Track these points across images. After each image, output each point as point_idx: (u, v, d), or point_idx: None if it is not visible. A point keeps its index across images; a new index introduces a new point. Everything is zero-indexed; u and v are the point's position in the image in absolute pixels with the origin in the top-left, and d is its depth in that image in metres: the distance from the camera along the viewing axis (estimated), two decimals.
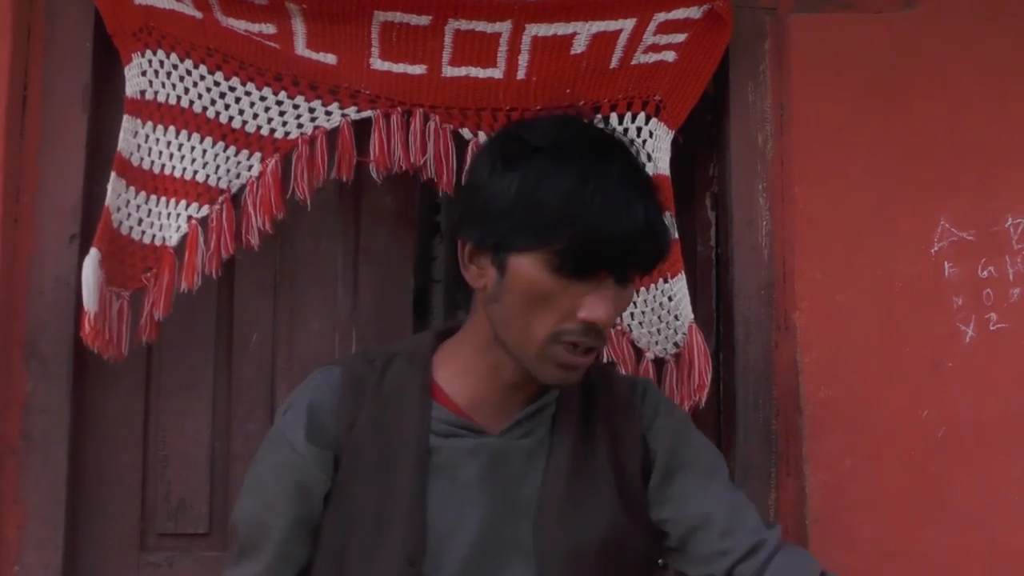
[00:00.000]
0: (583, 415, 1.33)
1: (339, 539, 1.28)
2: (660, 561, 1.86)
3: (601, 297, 1.19)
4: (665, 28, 1.74)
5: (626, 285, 1.23)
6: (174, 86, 1.70)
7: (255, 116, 1.71)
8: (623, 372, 1.72)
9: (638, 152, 1.29)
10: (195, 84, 1.70)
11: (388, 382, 1.31)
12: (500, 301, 1.22)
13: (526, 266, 1.18)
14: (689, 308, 1.77)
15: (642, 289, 1.77)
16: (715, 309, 1.92)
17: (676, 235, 1.76)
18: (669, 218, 1.28)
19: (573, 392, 1.33)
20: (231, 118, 1.71)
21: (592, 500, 1.29)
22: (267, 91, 1.71)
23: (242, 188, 1.71)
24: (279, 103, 1.71)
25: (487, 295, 1.24)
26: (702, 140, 1.93)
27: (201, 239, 1.68)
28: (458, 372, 1.30)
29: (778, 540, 1.32)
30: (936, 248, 1.81)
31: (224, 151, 1.71)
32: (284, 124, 1.72)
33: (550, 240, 1.16)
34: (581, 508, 1.28)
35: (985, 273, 1.81)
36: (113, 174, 1.67)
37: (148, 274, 1.69)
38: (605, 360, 1.76)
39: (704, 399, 1.77)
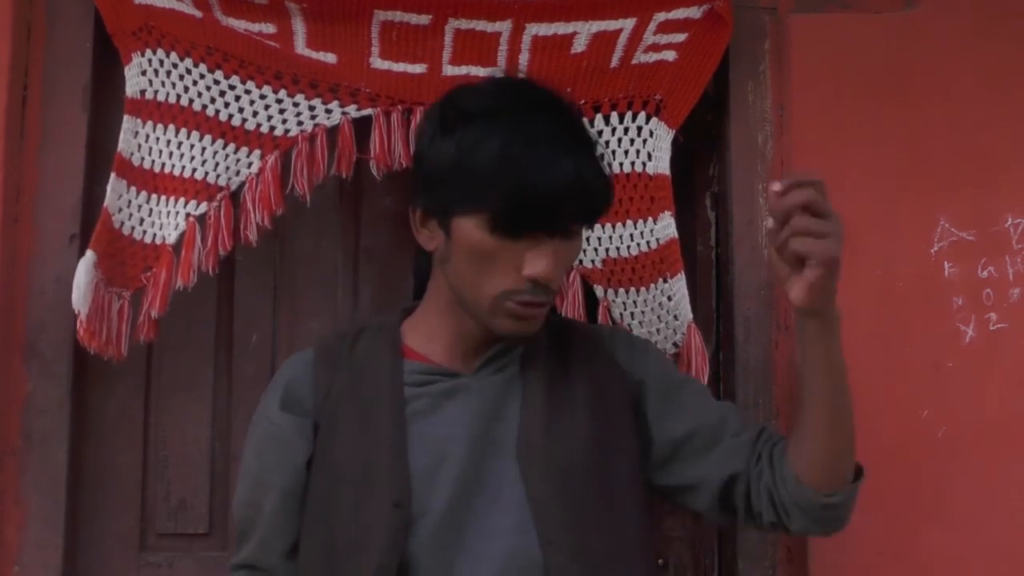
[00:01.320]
0: (554, 351, 1.38)
1: (326, 500, 1.30)
2: (660, 561, 1.87)
3: (541, 253, 1.24)
4: (665, 28, 1.74)
5: (569, 238, 1.28)
6: (174, 85, 1.70)
7: (255, 114, 1.71)
8: None
9: (578, 111, 1.35)
10: (195, 82, 1.70)
11: (360, 351, 1.37)
12: (450, 262, 1.29)
13: (467, 228, 1.24)
14: (688, 308, 1.77)
15: (642, 289, 1.77)
16: (715, 309, 1.92)
17: (676, 234, 1.76)
18: (608, 170, 1.33)
19: (539, 333, 1.36)
20: (231, 116, 1.71)
21: (572, 422, 1.33)
22: (267, 89, 1.71)
23: (241, 185, 1.71)
24: (279, 101, 1.71)
25: (439, 257, 1.31)
26: (702, 140, 1.93)
27: (199, 237, 1.68)
28: (425, 334, 1.36)
29: (769, 428, 1.43)
30: (936, 248, 1.81)
31: (224, 148, 1.71)
32: (284, 122, 1.72)
33: (485, 202, 1.22)
34: (562, 430, 1.32)
35: (985, 273, 1.81)
36: (113, 175, 1.67)
37: (148, 274, 1.69)
38: None
39: None
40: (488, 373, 1.34)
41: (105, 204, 1.67)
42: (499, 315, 1.27)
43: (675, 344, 1.78)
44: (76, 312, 1.62)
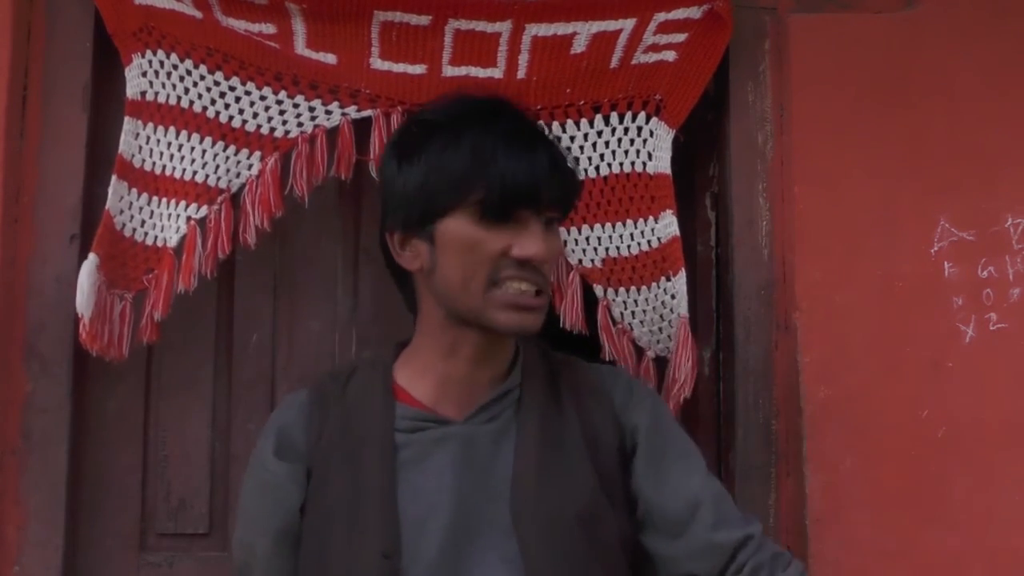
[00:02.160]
0: (550, 396, 1.37)
1: (318, 546, 1.31)
2: None
3: (531, 234, 1.27)
4: (665, 28, 1.74)
5: (551, 228, 1.30)
6: (174, 86, 1.70)
7: (255, 115, 1.71)
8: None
9: (533, 116, 1.41)
10: (195, 84, 1.70)
11: (352, 391, 1.37)
12: (438, 269, 1.29)
13: (453, 226, 1.26)
14: (686, 305, 1.76)
15: (643, 288, 1.77)
16: (715, 309, 1.92)
17: (678, 232, 1.76)
18: (573, 163, 1.39)
19: (537, 375, 1.37)
20: (231, 117, 1.71)
21: (566, 473, 1.32)
22: (267, 90, 1.71)
23: (241, 187, 1.71)
24: (279, 102, 1.71)
25: (426, 272, 1.31)
26: (702, 140, 1.93)
27: (199, 240, 1.68)
28: (418, 370, 1.35)
29: (761, 535, 1.34)
30: (936, 248, 1.81)
31: (224, 150, 1.71)
32: (284, 123, 1.72)
33: (467, 194, 1.25)
34: (556, 481, 1.30)
35: (985, 273, 1.81)
36: (114, 177, 1.67)
37: (149, 275, 1.69)
38: (607, 360, 1.76)
39: (689, 392, 1.75)
40: (480, 421, 1.33)
41: (107, 206, 1.67)
42: (495, 309, 1.27)
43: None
44: (79, 315, 1.61)
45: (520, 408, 1.35)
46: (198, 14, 1.68)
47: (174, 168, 1.70)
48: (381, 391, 1.35)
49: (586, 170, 1.76)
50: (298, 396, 1.41)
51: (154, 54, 1.69)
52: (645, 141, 1.77)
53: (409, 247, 1.32)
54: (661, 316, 1.77)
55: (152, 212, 1.70)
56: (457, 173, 1.26)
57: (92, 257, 1.63)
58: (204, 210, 1.69)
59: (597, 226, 1.76)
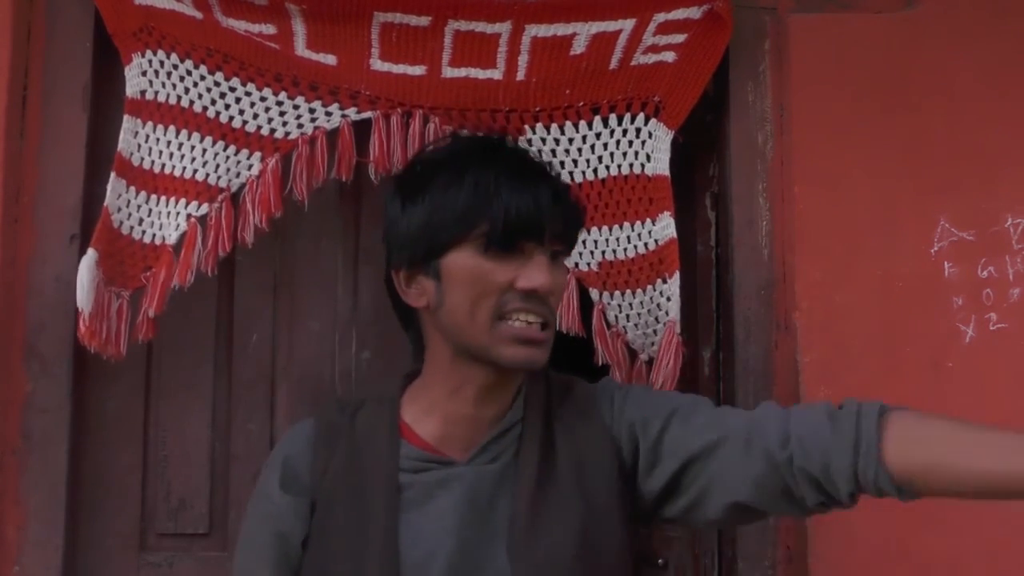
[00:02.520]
0: (545, 431, 1.36)
1: None
2: (660, 561, 1.87)
3: (535, 265, 1.27)
4: (665, 29, 1.74)
5: (556, 262, 1.32)
6: (174, 86, 1.70)
7: (255, 116, 1.71)
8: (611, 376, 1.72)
9: (528, 148, 1.42)
10: (195, 84, 1.70)
11: (359, 426, 1.37)
12: (444, 304, 1.29)
13: (458, 260, 1.27)
14: (677, 307, 1.76)
15: (638, 291, 1.77)
16: (715, 309, 1.92)
17: (675, 234, 1.76)
18: (577, 198, 1.39)
19: (537, 409, 1.37)
20: (231, 118, 1.71)
21: (558, 513, 1.31)
22: (267, 91, 1.71)
23: (242, 187, 1.71)
24: (279, 103, 1.71)
25: (432, 308, 1.31)
26: (702, 140, 1.93)
27: (199, 237, 1.68)
28: (425, 408, 1.35)
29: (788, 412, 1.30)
30: (936, 248, 1.81)
31: (224, 150, 1.71)
32: (284, 124, 1.72)
33: (472, 227, 1.26)
34: (550, 521, 1.30)
35: (985, 273, 1.81)
36: (113, 174, 1.67)
37: (147, 273, 1.69)
38: (600, 363, 1.76)
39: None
40: (483, 462, 1.33)
41: (106, 203, 1.67)
42: (501, 342, 1.27)
43: None
44: (80, 310, 1.61)
45: (520, 448, 1.34)
46: (198, 14, 1.68)
47: (173, 167, 1.70)
48: (388, 429, 1.35)
49: (584, 173, 1.76)
50: (304, 428, 1.40)
51: (154, 54, 1.69)
52: (644, 143, 1.76)
53: (415, 284, 1.33)
54: (656, 319, 1.77)
55: (150, 211, 1.70)
56: (461, 207, 1.26)
57: (91, 252, 1.63)
58: (204, 208, 1.69)
59: (594, 229, 1.76)
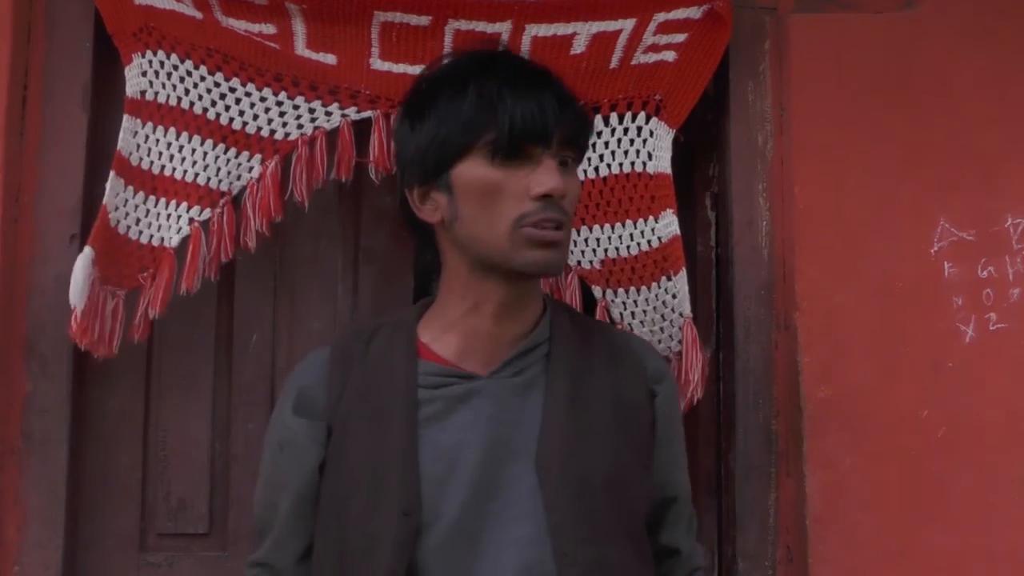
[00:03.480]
0: (581, 356, 1.36)
1: (338, 504, 1.30)
2: None
3: (545, 169, 1.27)
4: (665, 28, 1.74)
5: (566, 168, 1.31)
6: (174, 87, 1.70)
7: (255, 117, 1.71)
8: None
9: (528, 59, 1.43)
10: (195, 85, 1.70)
11: (374, 350, 1.35)
12: (459, 216, 1.29)
13: (468, 170, 1.27)
14: (688, 304, 1.77)
15: (643, 288, 1.77)
16: (715, 309, 1.92)
17: (678, 232, 1.76)
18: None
19: (567, 334, 1.36)
20: (231, 119, 1.71)
21: (596, 435, 1.30)
22: (267, 92, 1.71)
23: (242, 190, 1.71)
24: (279, 104, 1.71)
25: (447, 222, 1.31)
26: (702, 140, 1.93)
27: (203, 242, 1.68)
28: (442, 327, 1.34)
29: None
30: (936, 248, 1.81)
31: (224, 153, 1.71)
32: (284, 125, 1.72)
33: (478, 135, 1.26)
34: (585, 443, 1.29)
35: (985, 273, 1.81)
36: (112, 173, 1.67)
37: (144, 274, 1.69)
38: None
39: (700, 394, 1.76)
40: (506, 375, 1.31)
41: (104, 202, 1.67)
42: (520, 247, 1.26)
43: (680, 343, 1.78)
44: (72, 307, 1.61)
45: (549, 365, 1.33)
46: (198, 14, 1.68)
47: (173, 169, 1.70)
48: (404, 349, 1.34)
49: (585, 171, 1.76)
50: (319, 354, 1.39)
51: (154, 54, 1.69)
52: (645, 141, 1.77)
53: (429, 200, 1.33)
54: (662, 316, 1.77)
55: (148, 211, 1.70)
56: (465, 117, 1.27)
57: (87, 251, 1.62)
58: (207, 212, 1.70)
59: (596, 227, 1.76)
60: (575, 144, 1.33)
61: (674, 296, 1.76)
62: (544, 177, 1.26)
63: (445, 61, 1.41)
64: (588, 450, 1.29)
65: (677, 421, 1.45)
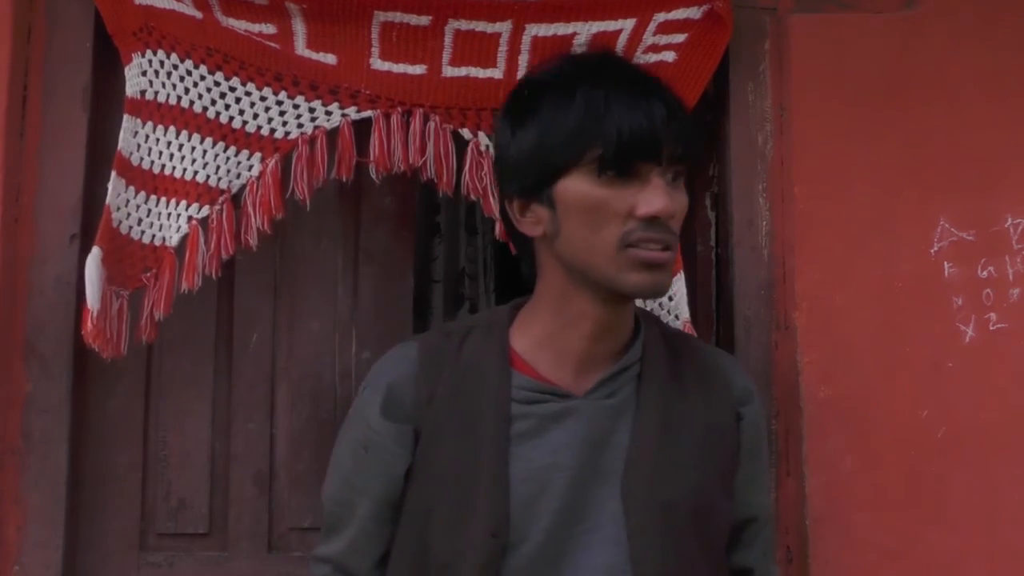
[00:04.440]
0: (672, 376, 1.32)
1: (422, 514, 1.27)
2: None
3: (654, 188, 1.20)
4: (665, 28, 1.74)
5: (676, 183, 1.24)
6: (174, 86, 1.70)
7: (255, 116, 1.71)
8: None
9: (643, 67, 1.34)
10: (195, 84, 1.70)
11: (466, 354, 1.30)
12: (561, 233, 1.23)
13: (573, 186, 1.21)
14: (686, 307, 1.77)
15: None
16: (715, 309, 1.92)
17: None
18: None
19: (659, 353, 1.32)
20: (231, 118, 1.71)
21: (684, 463, 1.27)
22: (267, 91, 1.71)
23: (242, 188, 1.71)
24: (279, 103, 1.71)
25: (548, 236, 1.25)
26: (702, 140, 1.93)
27: (202, 240, 1.68)
28: (537, 338, 1.29)
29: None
30: (936, 248, 1.81)
31: (224, 151, 1.71)
32: (284, 124, 1.72)
33: (584, 151, 1.20)
34: (673, 470, 1.26)
35: (985, 273, 1.81)
36: (113, 173, 1.67)
37: (148, 274, 1.69)
38: None
39: None
40: (600, 396, 1.28)
41: (107, 202, 1.67)
42: (625, 268, 1.20)
43: None
44: (88, 309, 1.60)
45: (640, 385, 1.29)
46: (198, 14, 1.68)
47: (173, 168, 1.70)
48: (498, 357, 1.29)
49: None
50: (408, 351, 1.33)
51: (154, 54, 1.69)
52: None
53: (529, 213, 1.27)
54: (659, 318, 1.77)
55: (150, 211, 1.70)
56: (570, 129, 1.20)
57: (96, 251, 1.62)
58: (206, 210, 1.70)
59: None
60: (685, 157, 1.25)
61: (671, 298, 1.76)
62: (652, 197, 1.19)
63: (550, 65, 1.33)
64: (675, 478, 1.26)
65: (761, 443, 1.42)
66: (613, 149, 1.19)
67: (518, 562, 1.22)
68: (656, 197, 1.19)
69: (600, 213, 1.20)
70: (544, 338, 1.29)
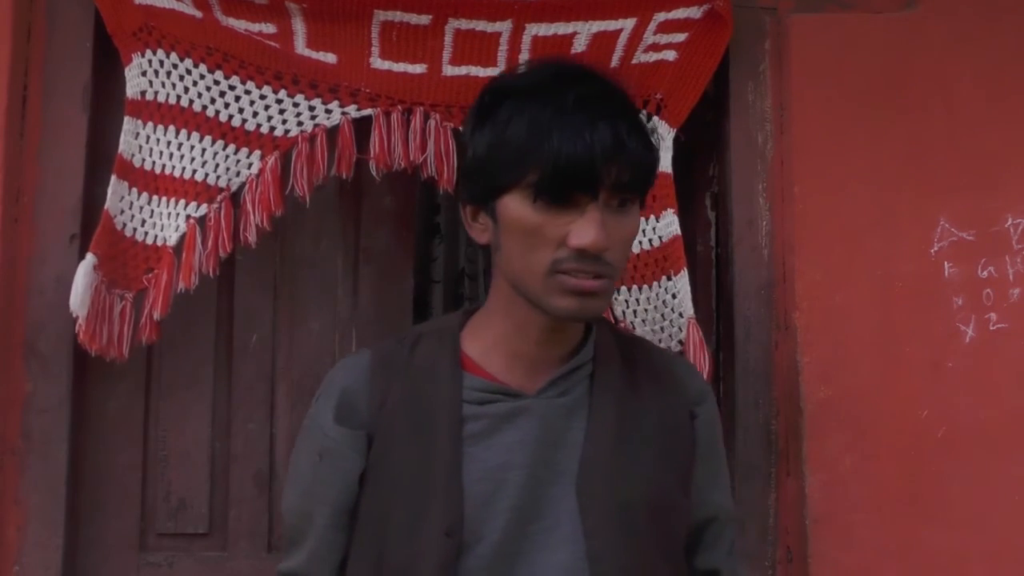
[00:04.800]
0: (626, 377, 1.32)
1: (378, 517, 1.27)
2: None
3: (587, 221, 1.17)
4: (665, 28, 1.74)
5: (623, 209, 1.21)
6: (174, 85, 1.70)
7: (255, 114, 1.71)
8: None
9: (620, 83, 1.28)
10: (195, 83, 1.70)
11: (418, 359, 1.30)
12: (502, 247, 1.24)
13: (510, 206, 1.20)
14: (690, 304, 1.77)
15: (644, 287, 1.77)
16: (715, 309, 1.92)
17: (679, 231, 1.76)
18: (657, 137, 1.27)
19: (612, 351, 1.32)
20: (231, 116, 1.71)
21: (638, 457, 1.27)
22: (267, 89, 1.71)
23: (242, 187, 1.71)
24: (279, 101, 1.71)
25: (493, 247, 1.26)
26: (702, 140, 1.93)
27: (199, 238, 1.68)
28: (489, 341, 1.30)
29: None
30: (936, 248, 1.81)
31: (224, 149, 1.71)
32: (284, 122, 1.72)
33: (522, 174, 1.18)
34: (628, 468, 1.26)
35: (985, 273, 1.81)
36: (114, 177, 1.68)
37: (149, 275, 1.69)
38: None
39: None
40: (552, 395, 1.27)
41: (106, 206, 1.67)
42: (553, 293, 1.19)
43: (679, 342, 1.78)
44: (74, 315, 1.61)
45: (593, 386, 1.29)
46: (198, 13, 1.68)
47: (174, 167, 1.70)
48: (449, 359, 1.29)
49: None
50: (361, 358, 1.33)
51: (154, 53, 1.69)
52: None
53: (479, 220, 1.28)
54: (662, 315, 1.77)
55: (152, 211, 1.70)
56: (513, 150, 1.18)
57: (89, 257, 1.63)
58: (204, 208, 1.69)
59: None
60: (632, 186, 1.21)
61: (674, 296, 1.76)
62: (583, 230, 1.16)
63: (519, 69, 1.31)
64: (631, 474, 1.26)
65: (717, 442, 1.41)
66: (549, 177, 1.16)
67: (475, 562, 1.22)
68: (587, 230, 1.17)
69: (534, 237, 1.19)
70: (495, 342, 1.30)
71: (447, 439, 1.25)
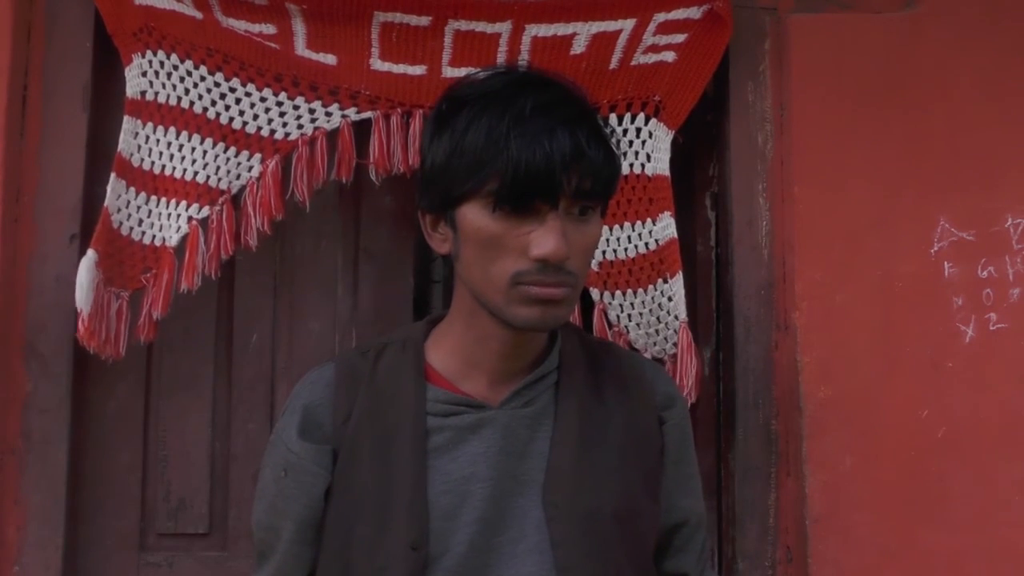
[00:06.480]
0: (591, 385, 1.31)
1: (343, 532, 1.26)
2: None
3: (547, 230, 1.16)
4: (665, 28, 1.74)
5: (584, 217, 1.20)
6: (174, 87, 1.70)
7: (255, 117, 1.71)
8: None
9: (579, 90, 1.26)
10: (195, 85, 1.70)
11: (381, 371, 1.30)
12: (461, 257, 1.22)
13: (469, 215, 1.18)
14: (684, 308, 1.77)
15: (639, 291, 1.77)
16: (715, 309, 1.92)
17: (675, 235, 1.76)
18: (614, 145, 1.25)
19: (577, 362, 1.32)
20: (231, 119, 1.71)
21: (606, 469, 1.27)
22: (267, 92, 1.71)
23: (242, 189, 1.71)
24: (279, 104, 1.71)
25: (454, 257, 1.24)
26: (702, 140, 1.93)
27: (201, 240, 1.68)
28: (450, 351, 1.29)
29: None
30: (936, 248, 1.81)
31: (224, 152, 1.71)
32: (284, 125, 1.72)
33: (480, 183, 1.16)
34: (594, 477, 1.26)
35: (985, 273, 1.81)
36: (113, 175, 1.67)
37: (147, 275, 1.69)
38: None
39: (694, 398, 1.76)
40: (516, 405, 1.27)
41: (105, 204, 1.67)
42: (514, 302, 1.18)
43: (675, 345, 1.78)
44: (79, 311, 1.61)
45: (558, 395, 1.28)
46: (198, 14, 1.68)
47: (174, 168, 1.70)
48: (413, 371, 1.28)
49: None
50: (324, 373, 1.32)
51: (154, 54, 1.69)
52: (644, 142, 1.77)
53: (438, 230, 1.26)
54: (658, 318, 1.77)
55: (150, 211, 1.70)
56: (471, 159, 1.16)
57: (91, 253, 1.63)
58: (205, 210, 1.70)
59: None
60: (592, 194, 1.19)
61: (670, 299, 1.76)
62: (543, 239, 1.15)
63: (478, 76, 1.28)
64: (597, 483, 1.26)
65: (687, 446, 1.40)
66: (508, 186, 1.14)
67: (441, 575, 1.21)
68: (547, 239, 1.15)
69: (494, 247, 1.17)
70: (458, 352, 1.29)
71: (411, 452, 1.24)
